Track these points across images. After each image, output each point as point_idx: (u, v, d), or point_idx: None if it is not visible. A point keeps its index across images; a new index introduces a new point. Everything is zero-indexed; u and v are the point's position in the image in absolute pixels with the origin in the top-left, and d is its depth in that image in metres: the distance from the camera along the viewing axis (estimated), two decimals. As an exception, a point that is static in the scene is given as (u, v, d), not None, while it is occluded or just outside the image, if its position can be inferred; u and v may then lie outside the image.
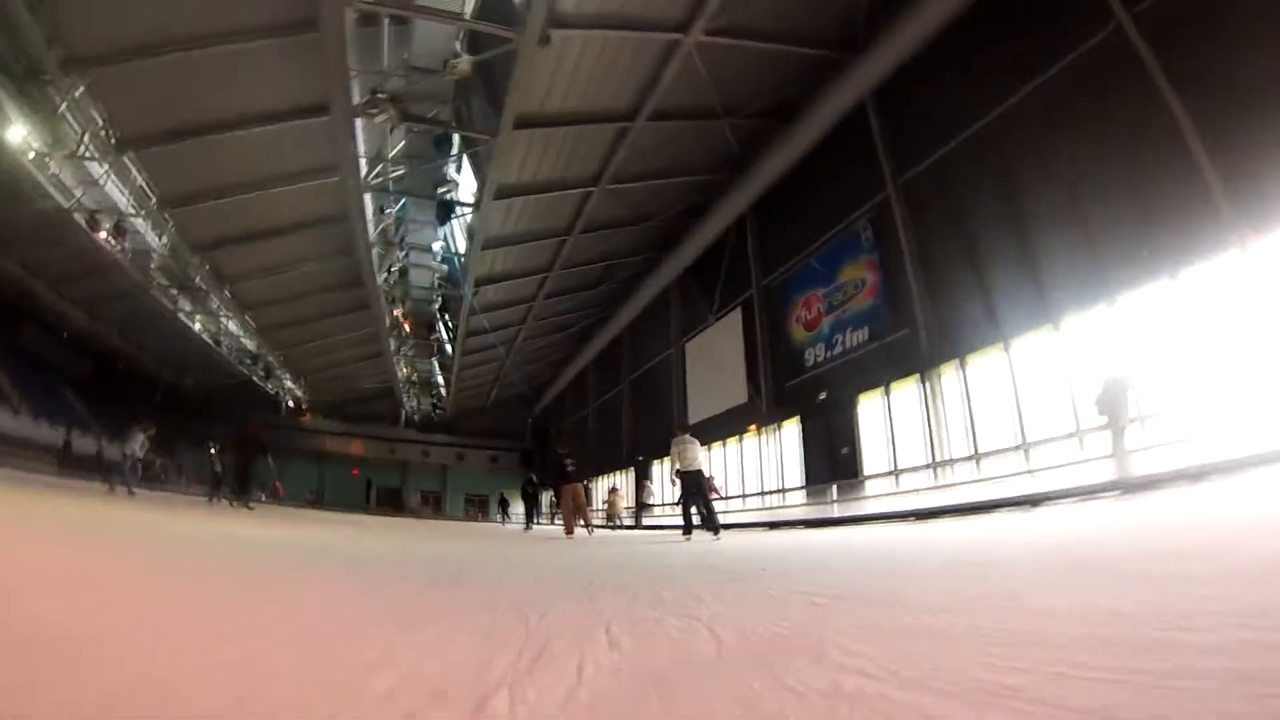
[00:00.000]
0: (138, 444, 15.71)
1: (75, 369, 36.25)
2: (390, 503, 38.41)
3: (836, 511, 14.07)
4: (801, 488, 15.94)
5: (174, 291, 24.85)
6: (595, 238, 21.24)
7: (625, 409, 28.04)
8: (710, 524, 10.01)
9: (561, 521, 12.23)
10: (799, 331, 17.20)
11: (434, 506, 39.49)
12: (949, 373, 12.93)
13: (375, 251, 20.55)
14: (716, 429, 19.93)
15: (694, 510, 10.45)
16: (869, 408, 14.84)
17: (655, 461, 24.38)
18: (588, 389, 33.91)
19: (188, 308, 26.22)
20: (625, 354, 28.59)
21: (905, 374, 13.81)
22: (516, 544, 9.38)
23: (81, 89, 13.74)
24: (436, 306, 21.44)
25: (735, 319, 19.90)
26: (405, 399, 36.80)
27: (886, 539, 6.70)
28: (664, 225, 21.98)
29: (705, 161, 18.67)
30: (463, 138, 16.68)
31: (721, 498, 17.06)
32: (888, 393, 14.31)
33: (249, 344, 30.43)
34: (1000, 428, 11.74)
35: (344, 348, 31.55)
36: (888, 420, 14.21)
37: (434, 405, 39.28)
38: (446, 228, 18.96)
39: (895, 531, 8.12)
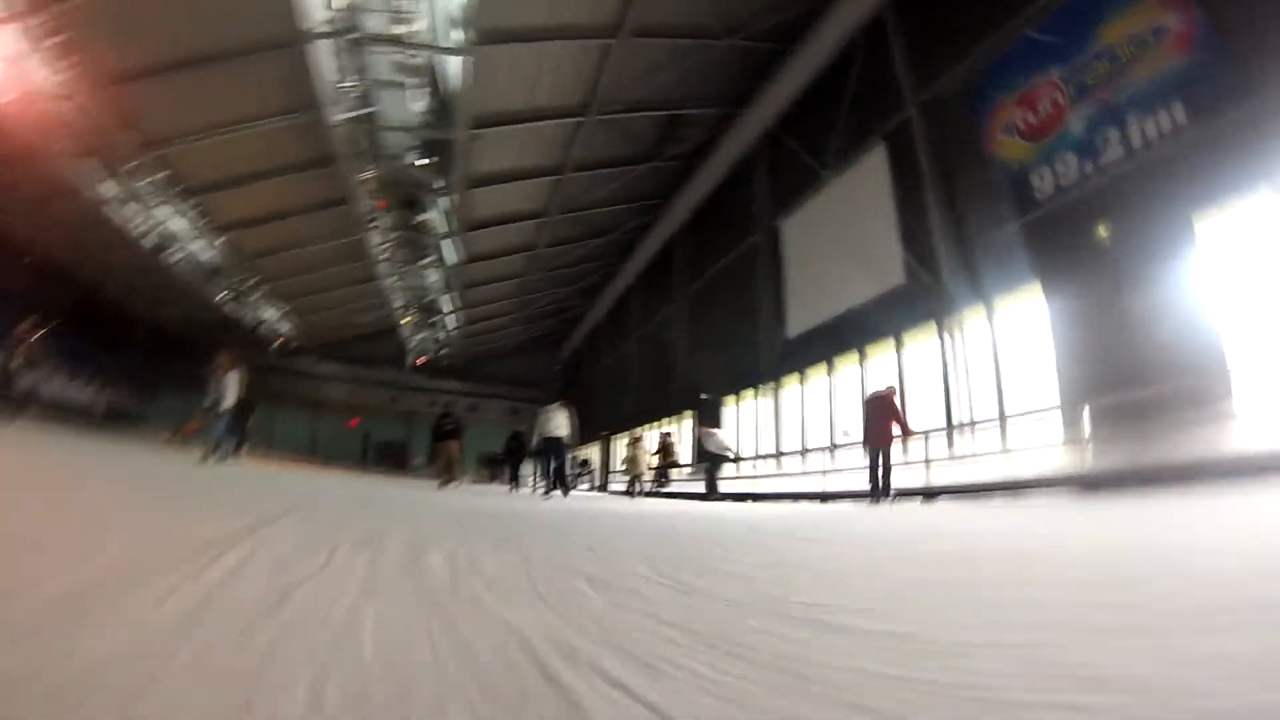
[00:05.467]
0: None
1: (57, 306, 30.78)
2: (392, 458, 32.13)
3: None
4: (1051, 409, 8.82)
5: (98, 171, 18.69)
6: (650, 55, 14.26)
7: (681, 334, 21.02)
8: (561, 483, 11.61)
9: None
10: (1011, 146, 10.01)
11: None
12: None
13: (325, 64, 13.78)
14: (848, 333, 12.90)
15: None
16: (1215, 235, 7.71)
17: (728, 399, 17.54)
18: (627, 320, 26.97)
19: (114, 191, 19.88)
20: (680, 260, 21.48)
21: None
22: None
23: None
24: (418, 163, 14.75)
25: (873, 163, 12.78)
26: (406, 328, 30.27)
27: None
28: (745, 53, 15.00)
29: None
30: None
31: (910, 434, 9.73)
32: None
33: (205, 255, 24.03)
34: None
35: (326, 263, 25.09)
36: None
37: (441, 344, 32.88)
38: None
39: None
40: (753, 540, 3.39)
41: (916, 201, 11.47)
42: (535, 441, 12.43)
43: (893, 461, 9.36)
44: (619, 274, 26.08)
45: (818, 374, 13.93)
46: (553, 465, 11.68)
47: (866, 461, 9.04)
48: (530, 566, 2.01)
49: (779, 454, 14.79)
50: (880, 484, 8.84)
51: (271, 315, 30.50)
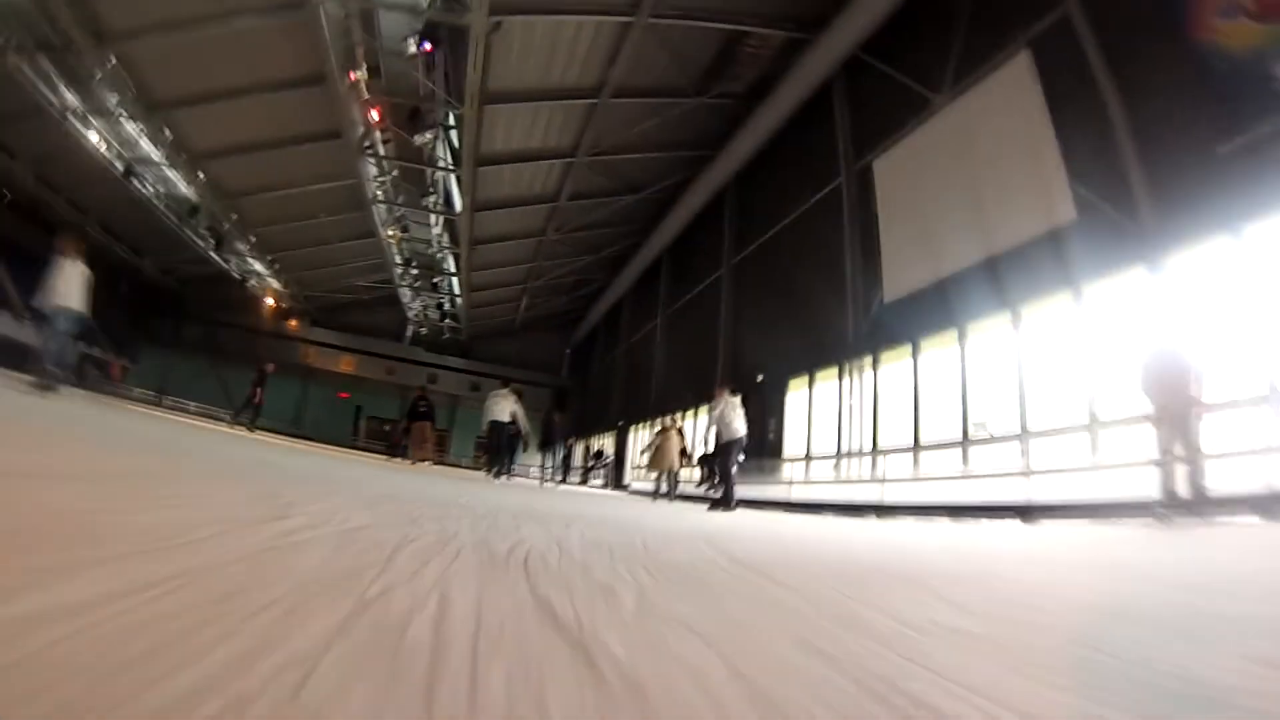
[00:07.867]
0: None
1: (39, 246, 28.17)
2: (382, 437, 29.19)
3: None
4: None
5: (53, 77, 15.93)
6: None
7: (728, 308, 18.00)
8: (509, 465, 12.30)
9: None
10: (1237, 32, 7.07)
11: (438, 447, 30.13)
12: None
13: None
14: (985, 289, 9.68)
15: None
16: None
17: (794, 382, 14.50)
18: (655, 297, 24.00)
19: (73, 103, 17.00)
20: (732, 221, 18.48)
21: None
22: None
23: None
24: (420, 50, 11.91)
25: (1012, 76, 9.72)
26: (407, 293, 27.45)
27: None
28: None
29: None
30: None
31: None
32: None
33: (182, 189, 21.17)
34: None
35: (317, 209, 22.10)
36: None
37: (444, 315, 30.12)
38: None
39: None
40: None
41: (1081, 117, 8.46)
42: (484, 425, 12.45)
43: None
44: (648, 242, 23.02)
45: (935, 346, 10.85)
46: (504, 449, 12.03)
47: (1159, 447, 6.08)
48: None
49: (876, 450, 11.70)
50: (1187, 482, 5.85)
51: (260, 270, 27.63)
